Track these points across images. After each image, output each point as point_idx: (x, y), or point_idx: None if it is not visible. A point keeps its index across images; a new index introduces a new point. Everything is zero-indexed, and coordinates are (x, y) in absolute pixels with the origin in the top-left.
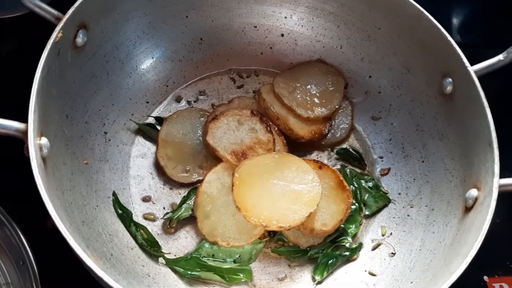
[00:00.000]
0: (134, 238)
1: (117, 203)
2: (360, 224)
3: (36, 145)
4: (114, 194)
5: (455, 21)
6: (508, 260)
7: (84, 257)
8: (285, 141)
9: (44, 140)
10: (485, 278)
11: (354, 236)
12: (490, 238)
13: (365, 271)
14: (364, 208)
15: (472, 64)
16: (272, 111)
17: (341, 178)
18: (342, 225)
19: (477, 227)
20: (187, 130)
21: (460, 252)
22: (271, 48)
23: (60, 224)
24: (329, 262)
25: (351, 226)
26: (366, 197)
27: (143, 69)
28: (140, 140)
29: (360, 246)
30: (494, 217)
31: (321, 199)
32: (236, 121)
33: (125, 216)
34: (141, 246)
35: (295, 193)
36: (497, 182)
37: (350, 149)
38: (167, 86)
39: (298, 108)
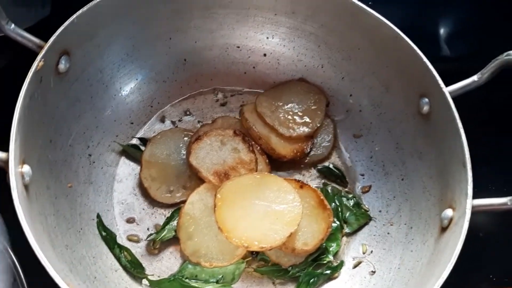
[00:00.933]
0: (118, 260)
1: (101, 225)
2: (341, 242)
3: (17, 174)
4: (98, 216)
5: (443, 32)
6: (491, 273)
7: (62, 284)
8: (267, 161)
9: (26, 168)
10: None
11: (335, 254)
12: (473, 251)
13: None
14: (345, 226)
15: (463, 77)
16: (254, 131)
17: (322, 197)
18: (324, 244)
19: (451, 248)
20: (171, 151)
21: (434, 272)
22: (254, 67)
23: (39, 253)
24: (311, 281)
25: (332, 244)
26: (347, 215)
27: (127, 91)
28: (124, 161)
29: (341, 264)
30: (477, 231)
31: (302, 218)
32: (219, 141)
33: (109, 238)
34: (124, 268)
35: (276, 213)
36: (470, 203)
37: (332, 167)
38: (152, 106)
39: (280, 127)
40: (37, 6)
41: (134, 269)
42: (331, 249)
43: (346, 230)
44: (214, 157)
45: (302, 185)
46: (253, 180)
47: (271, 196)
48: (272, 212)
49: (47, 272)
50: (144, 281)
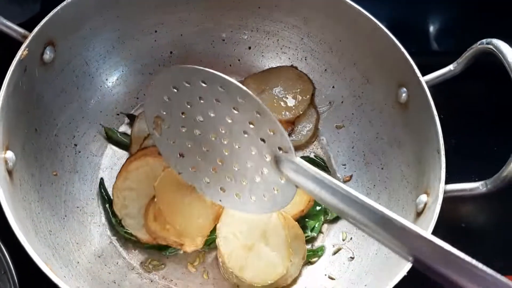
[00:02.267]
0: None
1: (103, 188)
2: (323, 228)
3: (1, 159)
4: (101, 180)
5: (432, 28)
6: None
7: (41, 265)
8: None
9: (9, 154)
10: None
11: (315, 232)
12: (455, 241)
13: (325, 275)
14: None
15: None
16: None
17: None
18: (306, 221)
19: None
20: None
21: None
22: (239, 60)
23: (20, 235)
24: None
25: (313, 223)
26: None
27: (113, 82)
28: (110, 150)
29: (322, 248)
30: (459, 222)
31: None
32: None
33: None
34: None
35: None
36: (442, 187)
37: (314, 157)
38: (137, 98)
39: None
40: (28, 2)
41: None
42: (312, 226)
43: (327, 217)
44: None
45: None
46: None
47: None
48: None
49: (37, 264)
50: (126, 266)
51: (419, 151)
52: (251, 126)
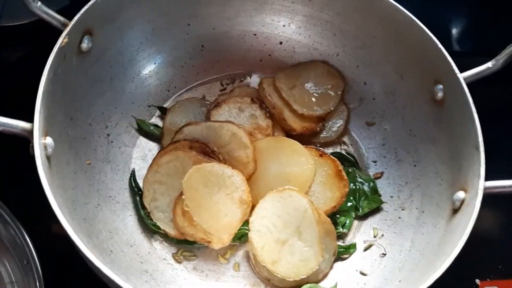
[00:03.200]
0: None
1: (134, 180)
2: (353, 225)
3: (41, 144)
4: (133, 171)
5: (454, 30)
6: (500, 264)
7: (85, 250)
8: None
9: (49, 140)
10: (477, 281)
11: (346, 228)
12: (482, 242)
13: (356, 270)
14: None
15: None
16: (270, 100)
17: (340, 167)
18: (337, 217)
19: (462, 228)
20: (190, 118)
21: (445, 251)
22: (269, 55)
23: (63, 220)
24: None
25: (344, 219)
26: (361, 199)
27: (145, 74)
28: (141, 142)
29: (353, 245)
30: (486, 222)
31: (317, 185)
32: (237, 108)
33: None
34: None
35: (289, 175)
36: (482, 184)
37: (345, 153)
38: (169, 90)
39: (295, 103)
40: None
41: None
42: (343, 222)
43: (358, 213)
44: None
45: (321, 154)
46: (268, 143)
47: (285, 159)
48: (285, 174)
49: (61, 253)
50: (158, 256)
51: (455, 148)
52: None
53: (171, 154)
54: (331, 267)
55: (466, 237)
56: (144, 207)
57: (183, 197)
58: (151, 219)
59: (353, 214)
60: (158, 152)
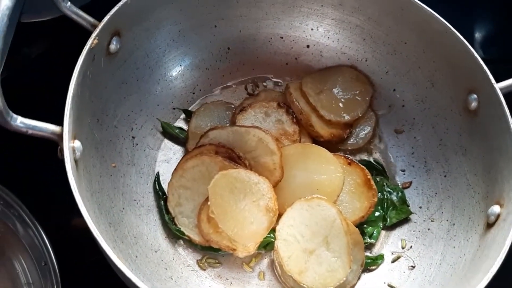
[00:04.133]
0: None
1: (158, 183)
2: (380, 235)
3: (70, 148)
4: (157, 174)
5: (478, 35)
6: None
7: (113, 257)
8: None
9: (77, 143)
10: None
11: (373, 239)
12: None
13: (384, 283)
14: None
15: (497, 80)
16: (297, 105)
17: (369, 176)
18: (364, 227)
19: (499, 244)
20: (215, 122)
21: (481, 268)
22: (296, 59)
23: (92, 226)
24: None
25: (372, 229)
26: (389, 209)
27: (171, 76)
28: (166, 145)
29: (381, 256)
30: None
31: (346, 194)
32: (263, 113)
33: (164, 199)
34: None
35: (317, 183)
36: None
37: (373, 161)
38: (194, 93)
39: (322, 109)
40: None
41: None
42: (370, 233)
43: (386, 223)
44: None
45: (350, 162)
46: (295, 150)
47: (313, 166)
48: (313, 183)
49: (79, 256)
50: (183, 263)
51: (489, 160)
52: None
53: (196, 158)
54: (359, 278)
55: (505, 254)
56: (168, 212)
57: (208, 203)
58: (176, 224)
59: (381, 225)
60: (183, 156)
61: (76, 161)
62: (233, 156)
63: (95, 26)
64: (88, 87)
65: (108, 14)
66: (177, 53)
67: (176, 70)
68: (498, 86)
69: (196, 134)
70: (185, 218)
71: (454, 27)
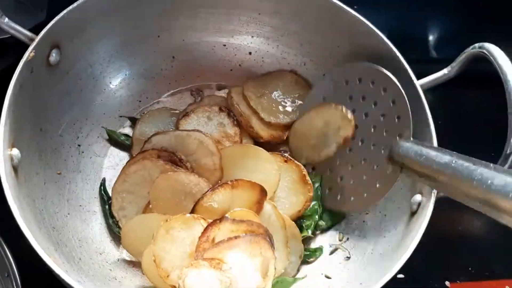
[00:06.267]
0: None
1: (104, 189)
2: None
3: (6, 156)
4: (103, 180)
5: (431, 37)
6: (470, 266)
7: (45, 258)
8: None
9: (15, 151)
10: (447, 283)
11: (311, 230)
12: (452, 243)
13: (322, 274)
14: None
15: None
16: (237, 108)
17: (304, 173)
18: (302, 221)
19: (416, 231)
20: (159, 128)
21: (401, 254)
22: (240, 65)
23: (25, 229)
24: None
25: (309, 222)
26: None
27: (116, 85)
28: (112, 151)
29: (320, 249)
30: (455, 224)
31: (282, 190)
32: (206, 117)
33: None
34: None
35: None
36: None
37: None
38: (140, 101)
39: (263, 112)
40: (35, 11)
41: None
42: (308, 226)
43: (321, 226)
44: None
45: (286, 159)
46: (235, 150)
47: (251, 165)
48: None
49: (41, 265)
50: (127, 263)
51: None
52: (381, 118)
53: (138, 163)
54: (298, 270)
55: (418, 240)
56: (112, 216)
57: (150, 206)
58: (119, 228)
59: (317, 217)
60: (127, 162)
61: (15, 168)
62: (175, 160)
63: (32, 40)
64: (28, 97)
65: (44, 28)
66: (121, 63)
67: (121, 80)
68: (418, 82)
69: (140, 140)
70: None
71: (407, 29)
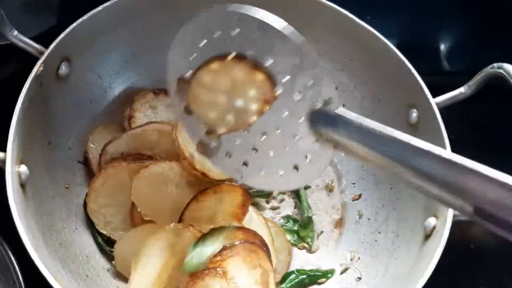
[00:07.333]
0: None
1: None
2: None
3: (14, 173)
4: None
5: (443, 48)
6: (483, 285)
7: (50, 280)
8: None
9: (23, 168)
10: None
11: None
12: (464, 262)
13: None
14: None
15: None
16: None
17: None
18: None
19: (431, 256)
20: None
21: (415, 279)
22: None
23: (30, 249)
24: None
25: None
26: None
27: (126, 97)
28: None
29: (331, 271)
30: (468, 243)
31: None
32: (149, 107)
33: None
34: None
35: None
36: (451, 211)
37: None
38: None
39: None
40: (45, 15)
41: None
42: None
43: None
44: None
45: None
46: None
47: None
48: None
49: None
50: None
51: None
52: (287, 76)
53: (101, 176)
54: (289, 266)
55: (433, 267)
56: (100, 234)
57: (138, 210)
58: (110, 245)
59: (313, 227)
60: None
61: (23, 185)
62: (144, 158)
63: (42, 53)
64: (37, 111)
65: (54, 41)
66: (131, 74)
67: (131, 92)
68: (434, 101)
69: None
70: (120, 231)
71: (418, 39)
